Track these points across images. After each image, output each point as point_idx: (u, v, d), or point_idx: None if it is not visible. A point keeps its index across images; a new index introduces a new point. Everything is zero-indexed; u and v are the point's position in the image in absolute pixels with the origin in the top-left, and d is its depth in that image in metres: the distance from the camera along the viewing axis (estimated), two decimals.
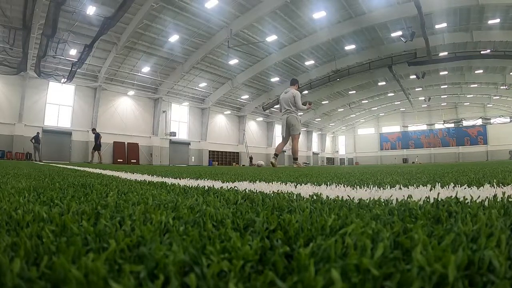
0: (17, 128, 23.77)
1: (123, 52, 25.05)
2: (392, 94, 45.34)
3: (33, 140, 19.97)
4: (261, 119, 46.09)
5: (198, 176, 3.37)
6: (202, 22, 23.03)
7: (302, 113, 47.33)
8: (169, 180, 2.56)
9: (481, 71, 35.96)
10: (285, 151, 50.37)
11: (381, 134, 61.26)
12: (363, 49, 29.52)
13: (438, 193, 1.14)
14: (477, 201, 1.01)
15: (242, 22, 22.81)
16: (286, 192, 1.44)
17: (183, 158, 35.48)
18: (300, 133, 9.37)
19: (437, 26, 24.34)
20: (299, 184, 2.03)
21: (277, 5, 21.02)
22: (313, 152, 55.78)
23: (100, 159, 19.27)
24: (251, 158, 39.52)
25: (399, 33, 24.39)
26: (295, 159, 9.17)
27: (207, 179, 2.69)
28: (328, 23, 24.16)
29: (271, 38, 25.81)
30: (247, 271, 0.44)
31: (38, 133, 20.94)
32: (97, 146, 18.56)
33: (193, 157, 36.45)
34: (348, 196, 1.21)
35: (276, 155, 9.26)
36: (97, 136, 18.60)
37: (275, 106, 38.04)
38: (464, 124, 52.32)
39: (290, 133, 9.19)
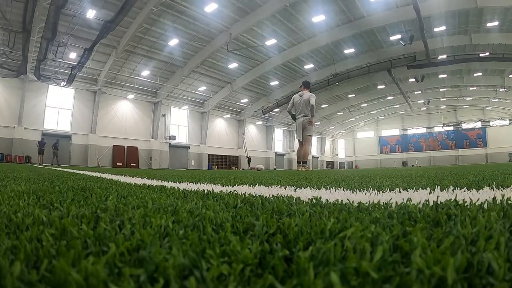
0: (17, 131, 23.80)
1: (122, 55, 25.10)
2: (392, 97, 45.46)
3: (53, 147, 22.19)
4: (260, 123, 46.12)
5: (198, 179, 3.36)
6: (201, 26, 23.11)
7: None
8: (169, 184, 2.55)
9: (480, 73, 36.07)
10: (285, 155, 50.63)
11: (380, 137, 61.29)
12: (362, 52, 29.61)
13: (438, 196, 1.14)
14: (477, 204, 1.01)
15: (241, 26, 22.88)
16: (285, 195, 1.44)
17: (182, 162, 35.48)
18: (312, 136, 9.31)
19: (436, 29, 24.44)
20: (298, 188, 2.03)
21: (276, 9, 21.10)
22: (312, 156, 55.78)
23: (42, 161, 22.02)
24: (249, 159, 39.32)
25: (398, 36, 24.52)
26: (305, 162, 9.07)
27: (207, 183, 2.69)
28: (327, 26, 24.25)
29: (271, 42, 25.90)
30: (246, 275, 0.44)
31: (57, 140, 22.99)
32: (41, 151, 21.75)
33: (192, 161, 36.44)
34: (347, 199, 1.21)
35: (304, 162, 9.08)
36: (43, 144, 22.01)
37: (275, 110, 38.09)
38: (463, 127, 52.41)
39: (304, 135, 9.09)
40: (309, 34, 25.64)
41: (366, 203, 1.10)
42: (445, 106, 51.25)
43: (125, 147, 30.38)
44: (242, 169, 35.38)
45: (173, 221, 0.79)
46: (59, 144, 22.99)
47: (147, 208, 1.02)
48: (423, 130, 57.04)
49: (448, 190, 1.64)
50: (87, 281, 0.37)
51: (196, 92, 34.52)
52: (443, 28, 24.36)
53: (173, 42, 24.42)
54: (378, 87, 40.71)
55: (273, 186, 2.26)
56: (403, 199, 1.17)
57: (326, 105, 45.19)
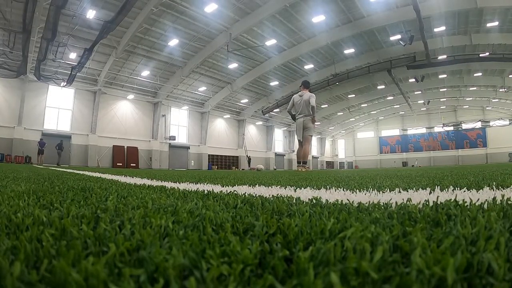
0: (17, 132, 23.80)
1: (122, 56, 25.10)
2: (391, 97, 45.44)
3: (57, 147, 22.69)
4: (260, 123, 46.12)
5: (198, 180, 3.36)
6: (201, 26, 23.10)
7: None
8: (169, 184, 2.56)
9: (480, 74, 36.07)
10: (285, 155, 50.62)
11: (380, 137, 61.28)
12: (362, 53, 29.61)
13: (438, 196, 1.14)
14: (477, 204, 1.01)
15: (241, 26, 22.88)
16: (285, 196, 1.44)
17: (182, 162, 35.48)
18: (312, 136, 9.28)
19: (435, 30, 24.44)
20: (298, 188, 2.03)
21: (276, 9, 21.10)
22: (312, 156, 55.76)
23: (41, 161, 22.20)
24: (249, 159, 39.33)
25: (398, 36, 24.53)
26: (305, 162, 9.04)
27: (207, 183, 2.69)
28: (327, 27, 24.25)
29: (271, 42, 25.90)
30: (246, 275, 0.44)
31: (61, 140, 23.51)
32: (41, 151, 22.09)
33: (192, 161, 36.44)
34: (347, 199, 1.21)
35: (304, 162, 9.05)
36: (43, 144, 22.27)
37: (275, 110, 38.08)
38: (463, 127, 52.40)
39: (304, 135, 9.06)
40: (309, 34, 25.64)
41: (366, 203, 1.10)
42: (445, 106, 51.23)
43: (125, 147, 30.38)
44: (242, 169, 35.38)
45: (173, 221, 0.79)
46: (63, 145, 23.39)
47: (147, 208, 1.02)
48: (423, 130, 57.04)
49: (448, 190, 1.64)
50: (87, 281, 0.37)
51: (196, 92, 34.52)
52: (443, 28, 24.37)
53: (173, 42, 24.42)
54: (378, 87, 40.71)
55: (273, 186, 2.26)
56: (403, 199, 1.17)
57: (326, 105, 45.19)
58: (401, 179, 3.00)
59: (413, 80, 35.02)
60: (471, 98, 46.19)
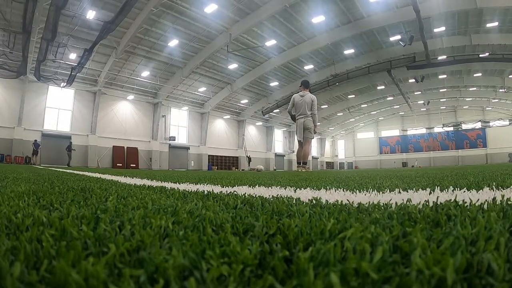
0: (17, 132, 23.81)
1: (122, 56, 25.09)
2: (391, 98, 45.42)
3: (67, 149, 23.26)
4: (260, 123, 46.11)
5: (198, 180, 3.36)
6: (201, 27, 23.10)
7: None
8: (169, 185, 2.55)
9: (480, 74, 36.07)
10: (285, 155, 50.59)
11: (380, 138, 61.27)
12: (362, 53, 29.62)
13: (438, 197, 1.14)
14: (476, 204, 1.01)
15: (241, 26, 22.88)
16: (285, 196, 1.44)
17: (182, 162, 35.47)
18: (313, 138, 9.29)
19: (435, 30, 24.45)
20: (298, 189, 2.03)
21: (276, 10, 21.09)
22: (312, 157, 55.73)
23: (36, 162, 22.93)
24: (249, 159, 39.31)
25: (398, 37, 24.56)
26: (304, 163, 9.04)
27: (207, 184, 2.69)
28: (327, 27, 24.25)
29: (270, 42, 25.90)
30: (246, 275, 0.44)
31: (71, 142, 24.15)
32: (35, 152, 22.72)
33: (192, 162, 36.43)
34: (347, 200, 1.21)
35: (304, 162, 9.06)
36: (38, 145, 22.89)
37: (275, 111, 38.07)
38: (463, 128, 52.38)
39: (304, 136, 9.07)
40: (309, 35, 25.64)
41: (366, 203, 1.10)
42: (445, 107, 51.25)
43: (125, 148, 30.37)
44: (242, 169, 35.37)
45: (173, 222, 0.79)
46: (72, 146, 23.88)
47: (147, 209, 1.02)
48: (423, 130, 57.03)
49: (448, 191, 1.63)
50: (87, 282, 0.37)
51: (196, 93, 34.52)
52: (442, 28, 24.38)
53: (173, 43, 24.42)
54: (378, 87, 40.71)
55: (273, 186, 2.26)
56: (403, 199, 1.17)
57: (326, 106, 45.17)
58: (401, 180, 3.00)
59: (413, 80, 35.03)
60: (471, 99, 46.19)
